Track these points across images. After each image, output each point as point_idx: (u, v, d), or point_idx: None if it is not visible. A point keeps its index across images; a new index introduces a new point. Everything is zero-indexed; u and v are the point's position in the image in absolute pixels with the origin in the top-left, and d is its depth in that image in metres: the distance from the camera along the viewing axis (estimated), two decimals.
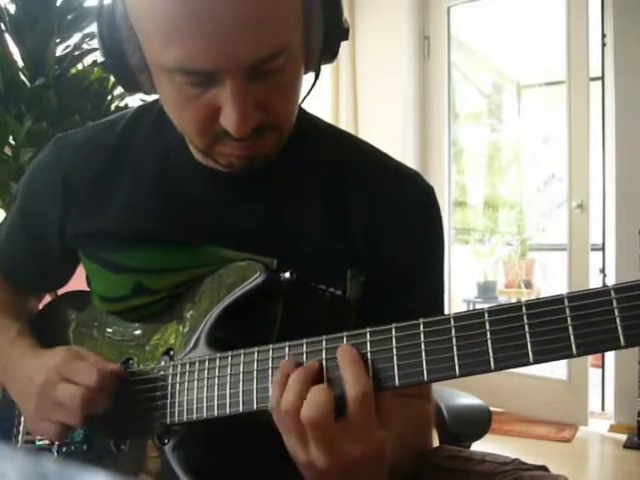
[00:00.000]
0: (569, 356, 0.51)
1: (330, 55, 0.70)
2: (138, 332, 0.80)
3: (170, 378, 0.72)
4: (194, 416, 0.68)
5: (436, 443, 0.87)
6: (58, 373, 0.71)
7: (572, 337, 0.51)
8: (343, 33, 0.69)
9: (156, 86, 0.68)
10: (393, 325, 0.58)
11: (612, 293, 0.50)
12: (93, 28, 1.73)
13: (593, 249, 3.14)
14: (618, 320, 0.49)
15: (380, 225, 0.78)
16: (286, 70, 0.65)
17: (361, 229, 0.77)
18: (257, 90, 0.63)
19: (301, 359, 0.62)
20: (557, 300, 0.52)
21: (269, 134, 0.68)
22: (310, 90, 0.73)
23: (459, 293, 4.27)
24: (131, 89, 0.71)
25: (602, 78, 3.21)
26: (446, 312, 0.77)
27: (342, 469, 0.58)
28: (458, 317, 0.56)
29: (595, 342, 0.50)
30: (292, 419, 0.58)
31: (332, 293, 0.75)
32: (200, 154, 0.75)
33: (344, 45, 0.72)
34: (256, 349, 0.65)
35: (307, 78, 0.72)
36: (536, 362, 0.52)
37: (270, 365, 0.63)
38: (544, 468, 0.75)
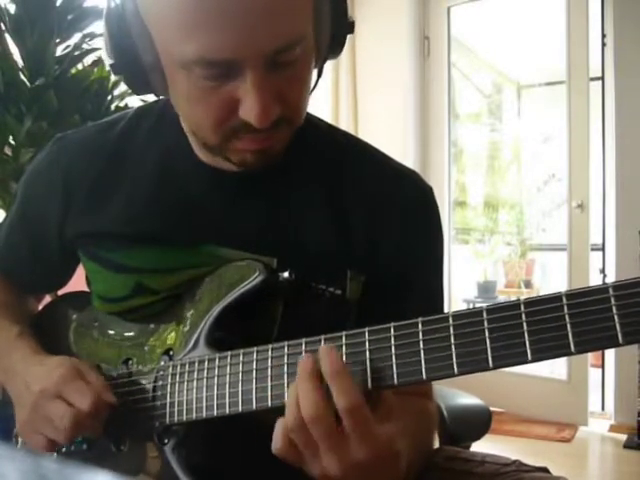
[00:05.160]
0: (567, 354, 0.51)
1: (336, 48, 0.71)
2: (138, 332, 0.80)
3: (170, 378, 0.72)
4: (194, 416, 0.68)
5: (436, 443, 0.87)
6: (55, 387, 0.71)
7: (570, 335, 0.51)
8: (349, 26, 0.70)
9: (169, 84, 0.68)
10: (392, 324, 0.58)
11: (610, 291, 0.50)
12: (93, 28, 1.73)
13: (593, 249, 3.14)
14: (616, 318, 0.49)
15: (379, 225, 0.78)
16: (301, 61, 0.65)
17: (361, 229, 0.77)
18: (275, 81, 0.64)
19: (300, 359, 0.61)
20: (555, 298, 0.52)
21: (283, 127, 0.68)
22: (314, 87, 0.73)
23: (459, 293, 4.27)
24: (141, 90, 0.71)
25: (602, 78, 3.21)
26: (446, 312, 0.77)
27: (355, 475, 0.57)
28: (456, 316, 0.56)
29: (593, 340, 0.50)
30: (299, 429, 0.57)
31: (332, 293, 0.75)
32: (209, 153, 0.75)
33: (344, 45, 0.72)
34: (255, 349, 0.65)
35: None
36: (534, 360, 0.52)
37: (269, 364, 0.63)
38: (545, 470, 0.75)
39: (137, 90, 0.71)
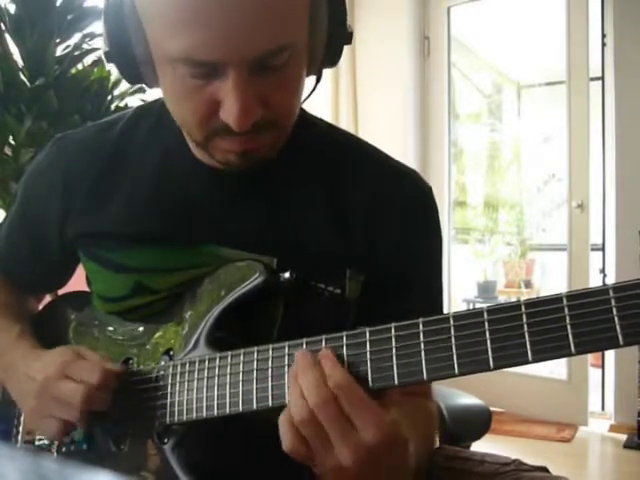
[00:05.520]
0: (568, 354, 0.51)
1: (332, 58, 0.71)
2: (138, 332, 0.80)
3: (170, 378, 0.72)
4: (194, 416, 0.68)
5: (436, 443, 0.87)
6: (60, 370, 0.71)
7: (571, 336, 0.51)
8: (346, 37, 0.70)
9: (159, 78, 0.68)
10: (392, 324, 0.58)
11: (611, 292, 0.50)
12: (93, 28, 1.73)
13: (593, 249, 3.14)
14: (617, 319, 0.50)
15: (379, 225, 0.78)
16: (289, 67, 0.65)
17: (360, 228, 0.78)
18: (259, 85, 0.64)
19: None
20: (556, 299, 0.52)
21: (267, 131, 0.68)
22: (310, 93, 0.73)
23: (459, 293, 4.27)
24: (133, 80, 0.71)
25: (602, 78, 3.21)
26: (446, 312, 0.78)
27: (367, 462, 0.57)
28: (457, 316, 0.56)
29: (594, 341, 0.50)
30: (309, 420, 0.57)
31: (331, 292, 0.75)
32: (198, 149, 0.76)
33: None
34: (256, 349, 0.65)
35: (308, 81, 0.72)
36: (535, 361, 0.52)
37: (270, 365, 0.63)
38: (544, 469, 0.75)
39: (129, 79, 0.72)
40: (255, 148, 0.69)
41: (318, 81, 0.73)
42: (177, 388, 0.71)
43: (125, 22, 0.65)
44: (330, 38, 0.68)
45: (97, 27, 1.74)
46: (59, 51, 1.70)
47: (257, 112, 0.64)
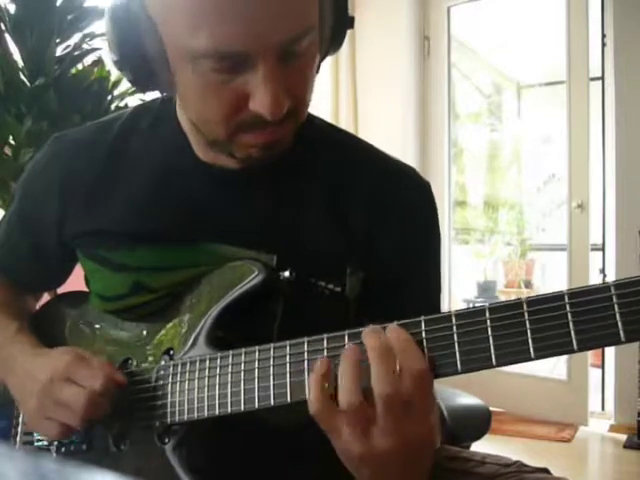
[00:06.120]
0: (570, 351, 0.52)
1: (337, 44, 0.71)
2: (137, 332, 0.80)
3: (170, 377, 0.72)
4: (195, 415, 0.68)
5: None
6: (64, 373, 0.71)
7: (572, 332, 0.51)
8: (349, 21, 0.71)
9: (176, 80, 0.67)
10: (395, 323, 0.58)
11: (612, 289, 0.51)
12: (93, 28, 1.73)
13: (593, 249, 3.14)
14: (618, 316, 0.50)
15: (378, 223, 0.78)
16: (307, 55, 0.66)
17: (360, 226, 0.78)
18: (284, 74, 0.64)
19: (302, 357, 0.61)
20: (557, 297, 0.53)
21: (290, 121, 0.68)
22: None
23: (459, 293, 4.27)
24: (145, 87, 0.70)
25: (602, 78, 3.21)
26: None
27: (401, 452, 0.57)
28: (459, 314, 0.56)
29: (595, 337, 0.51)
30: (356, 409, 0.56)
31: (331, 290, 0.75)
32: (214, 149, 0.75)
33: (344, 45, 0.73)
34: (257, 348, 0.65)
35: None
36: (537, 357, 0.53)
37: (272, 363, 0.63)
38: (545, 470, 0.75)
39: (141, 87, 0.71)
40: (279, 139, 0.69)
41: (317, 72, 0.73)
42: (177, 388, 0.70)
43: (136, 26, 0.64)
44: (334, 23, 0.69)
45: (97, 27, 1.74)
46: (59, 51, 1.70)
47: (286, 101, 0.65)
